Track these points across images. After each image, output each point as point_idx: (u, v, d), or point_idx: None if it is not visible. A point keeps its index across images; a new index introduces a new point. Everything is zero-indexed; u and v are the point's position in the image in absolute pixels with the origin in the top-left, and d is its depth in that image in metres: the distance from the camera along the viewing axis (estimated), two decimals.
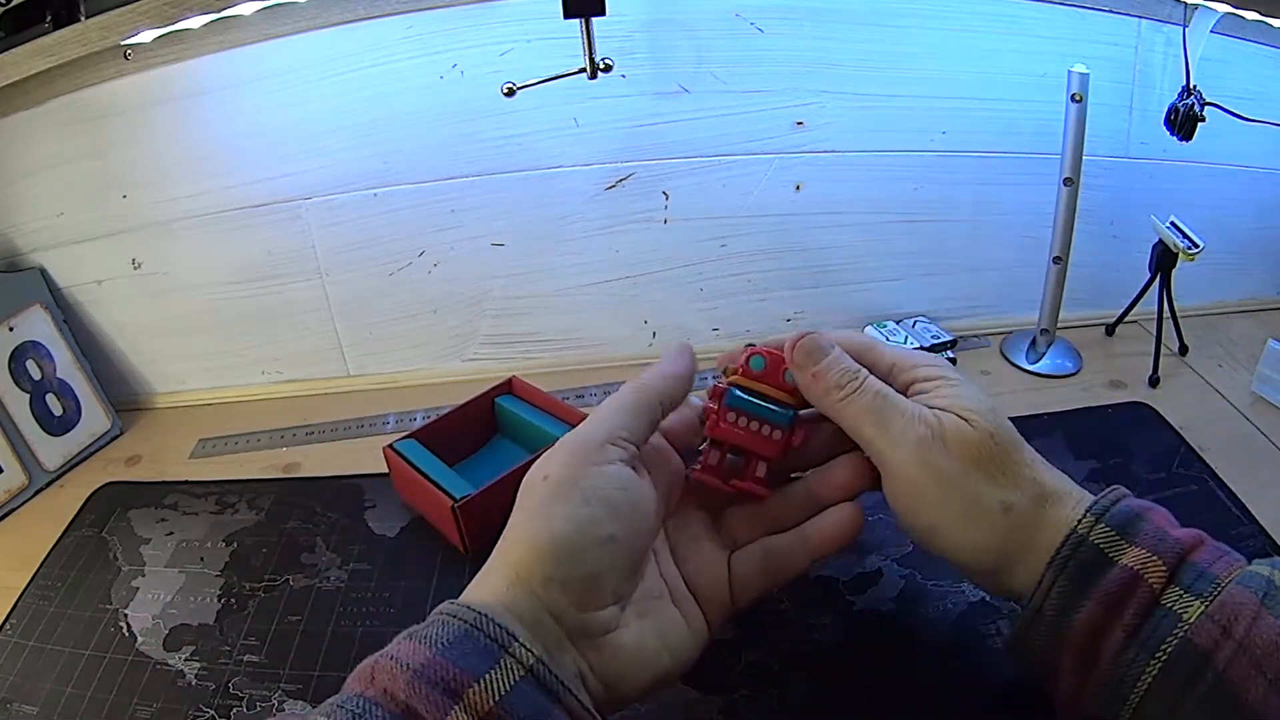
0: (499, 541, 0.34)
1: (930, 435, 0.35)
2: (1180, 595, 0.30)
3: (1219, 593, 0.30)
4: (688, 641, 0.36)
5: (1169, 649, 0.29)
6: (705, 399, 0.40)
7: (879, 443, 0.36)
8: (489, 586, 0.32)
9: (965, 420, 0.35)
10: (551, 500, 0.33)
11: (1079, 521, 0.33)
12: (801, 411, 0.39)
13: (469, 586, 0.33)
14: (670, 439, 0.40)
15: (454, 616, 0.30)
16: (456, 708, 0.27)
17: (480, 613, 0.30)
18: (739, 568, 0.39)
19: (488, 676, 0.28)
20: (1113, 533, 0.32)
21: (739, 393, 0.39)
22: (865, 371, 0.38)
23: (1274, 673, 0.28)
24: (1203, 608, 0.29)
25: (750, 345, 0.40)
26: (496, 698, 0.28)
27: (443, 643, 0.29)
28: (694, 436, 0.40)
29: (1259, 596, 0.29)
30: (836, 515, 0.39)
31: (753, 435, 0.38)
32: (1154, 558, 0.31)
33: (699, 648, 0.36)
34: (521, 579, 0.32)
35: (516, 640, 0.29)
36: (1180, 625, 0.29)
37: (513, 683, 0.28)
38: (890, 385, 0.38)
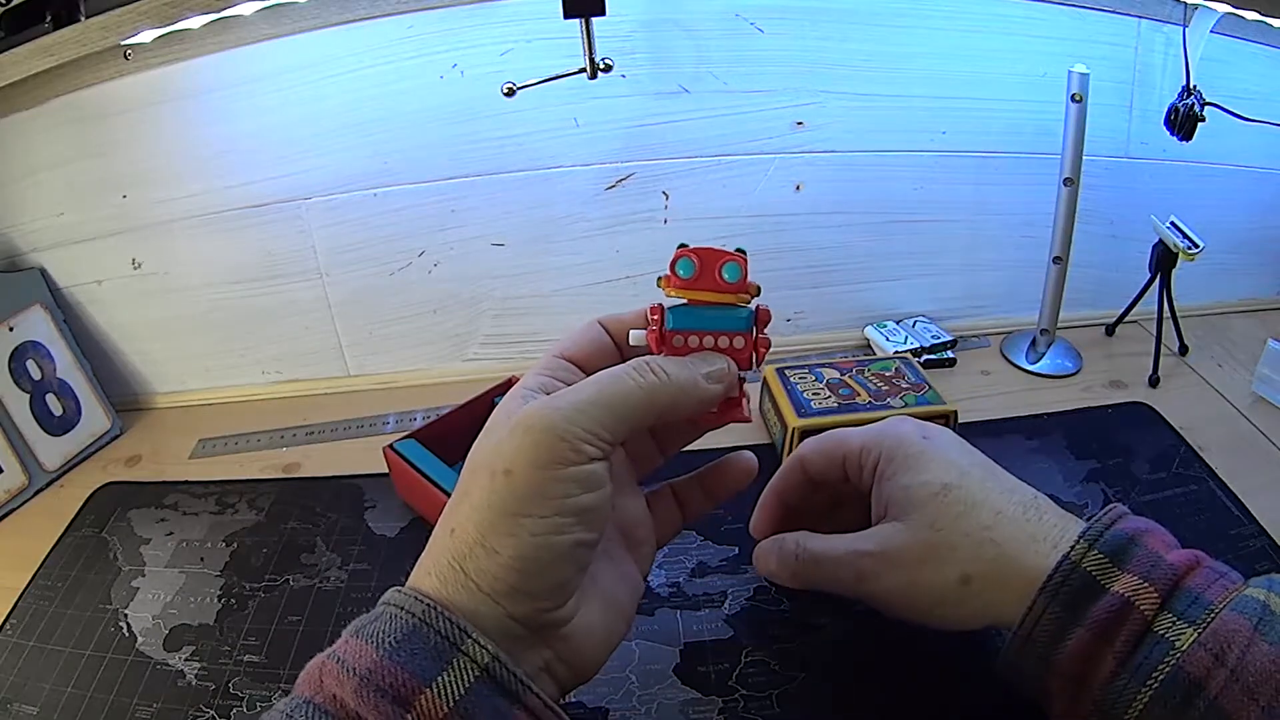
0: (444, 521, 0.31)
1: (868, 567, 0.37)
2: (1173, 622, 0.30)
3: (1212, 619, 0.30)
4: (633, 598, 0.35)
5: (1160, 677, 0.29)
6: (647, 324, 0.34)
7: (840, 587, 0.39)
8: (444, 583, 0.29)
9: (901, 524, 0.37)
10: (515, 509, 0.29)
11: (1072, 548, 0.32)
12: (756, 304, 0.34)
13: (419, 567, 0.31)
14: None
15: (402, 609, 0.28)
16: (408, 718, 0.26)
17: (430, 604, 0.28)
18: (659, 509, 0.39)
19: (440, 680, 0.26)
20: (1105, 559, 0.32)
21: (680, 311, 0.33)
22: (798, 539, 0.41)
23: (1267, 700, 0.27)
24: (1195, 635, 0.29)
25: (681, 246, 0.33)
26: (450, 704, 0.26)
27: (390, 642, 0.27)
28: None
29: (1253, 623, 0.29)
30: (736, 464, 0.40)
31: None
32: (1145, 584, 0.31)
33: (639, 599, 0.36)
34: (484, 591, 0.29)
35: (469, 636, 0.27)
36: (1172, 653, 0.29)
37: (468, 685, 0.27)
38: (862, 466, 0.40)
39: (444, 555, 0.30)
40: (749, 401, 0.36)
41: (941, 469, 0.37)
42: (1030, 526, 0.35)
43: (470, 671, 0.27)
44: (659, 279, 0.34)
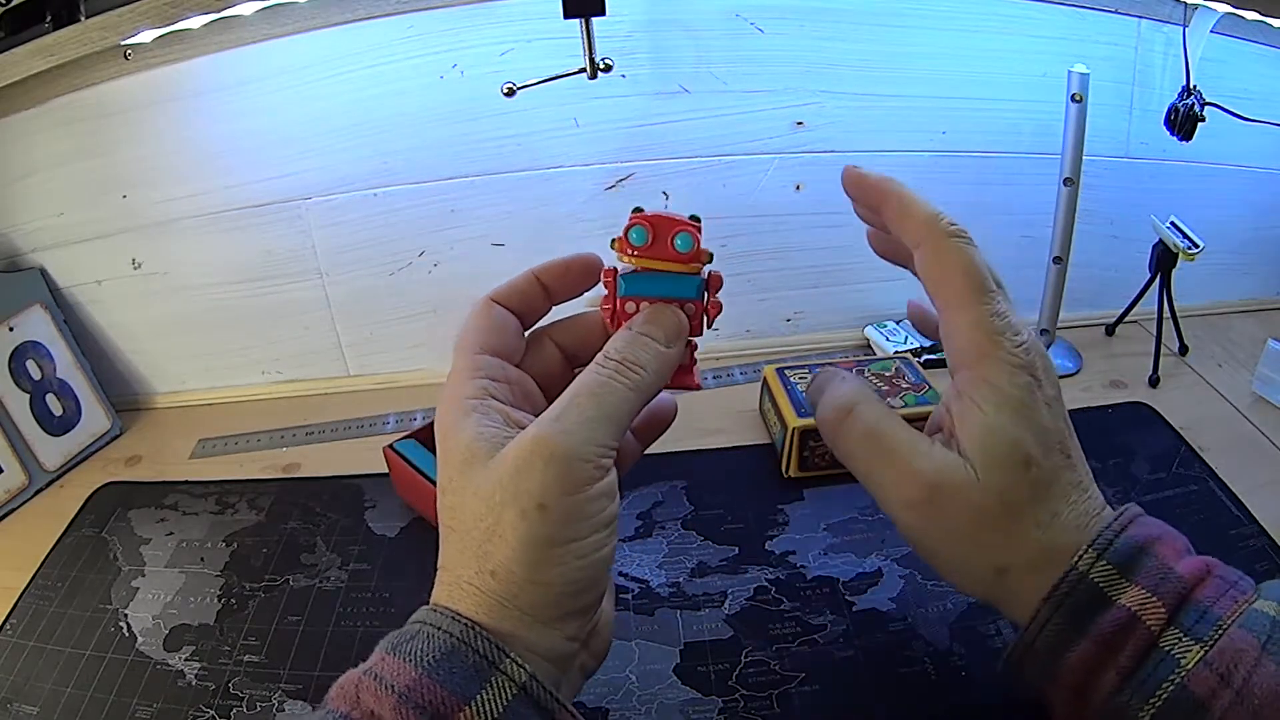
0: (475, 561, 0.29)
1: (921, 498, 0.32)
2: (1180, 639, 0.29)
3: (1220, 636, 0.29)
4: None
5: (1165, 695, 0.28)
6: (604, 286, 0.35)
7: (868, 486, 0.35)
8: (498, 620, 0.29)
9: (974, 475, 0.32)
10: (558, 538, 0.29)
11: (1080, 557, 0.31)
12: (708, 270, 0.34)
13: (443, 584, 0.31)
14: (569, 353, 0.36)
15: (439, 629, 0.28)
16: None
17: (467, 624, 0.28)
18: None
19: (479, 698, 0.26)
20: (1113, 570, 0.31)
21: (632, 278, 0.34)
22: (859, 399, 0.35)
23: None
24: (1202, 653, 0.28)
25: (637, 209, 0.34)
26: None
27: (429, 660, 0.27)
28: (598, 340, 0.34)
29: (1261, 641, 0.28)
30: (660, 408, 0.38)
31: None
32: (1153, 598, 0.30)
33: None
34: (541, 622, 0.29)
35: (508, 655, 0.28)
36: (1178, 671, 0.28)
37: (505, 703, 0.27)
38: (963, 346, 0.33)
39: (489, 597, 0.29)
40: (698, 368, 0.36)
41: (1033, 435, 0.32)
42: (1074, 535, 0.32)
43: (508, 690, 0.27)
44: (613, 241, 0.34)
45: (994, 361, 0.32)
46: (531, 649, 0.29)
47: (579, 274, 0.36)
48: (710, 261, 0.34)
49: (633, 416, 0.31)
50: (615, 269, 0.34)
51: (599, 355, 0.32)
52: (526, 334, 0.36)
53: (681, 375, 0.35)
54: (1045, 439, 0.32)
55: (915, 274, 0.35)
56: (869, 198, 0.37)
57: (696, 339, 0.35)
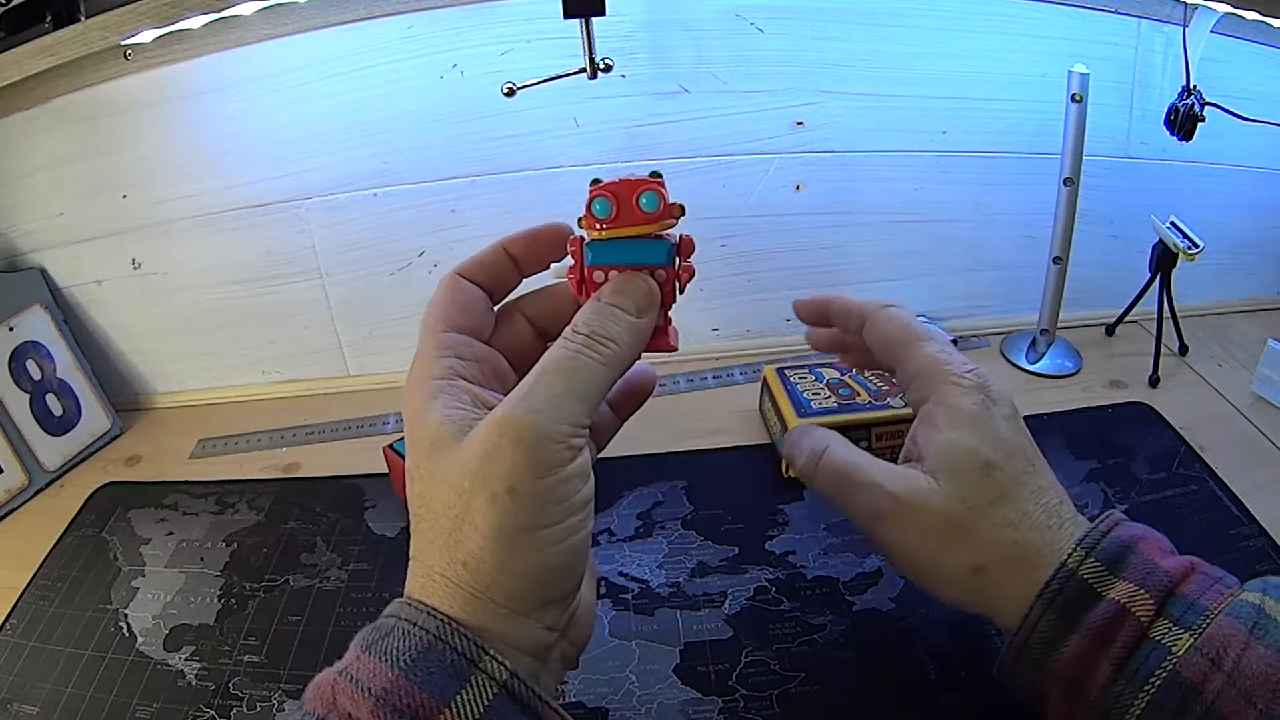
0: (446, 551, 0.28)
1: (887, 510, 0.35)
2: (1169, 628, 0.30)
3: (1208, 625, 0.29)
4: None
5: (1157, 681, 0.29)
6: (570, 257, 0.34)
7: (844, 511, 0.38)
8: (471, 613, 0.28)
9: (936, 484, 0.34)
10: (530, 523, 0.27)
11: (1069, 556, 0.32)
12: (679, 235, 0.33)
13: (422, 590, 0.29)
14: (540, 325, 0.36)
15: (414, 624, 0.27)
16: None
17: (443, 620, 0.27)
18: None
19: (458, 699, 0.26)
20: (1101, 567, 0.32)
21: (599, 246, 0.33)
22: (829, 442, 0.39)
23: (1264, 703, 0.27)
24: (1191, 640, 0.29)
25: (595, 181, 0.32)
26: None
27: (405, 660, 0.26)
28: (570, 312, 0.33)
29: (1248, 627, 0.29)
30: (637, 379, 0.37)
31: None
32: (1141, 591, 0.31)
33: None
34: (518, 613, 0.28)
35: (487, 653, 0.27)
36: (1169, 658, 0.29)
37: (487, 703, 0.26)
38: (919, 384, 0.37)
39: (462, 589, 0.28)
40: (677, 331, 0.34)
41: (990, 444, 0.35)
42: (1049, 534, 0.34)
43: (489, 689, 0.26)
44: (579, 219, 0.33)
45: (947, 386, 0.36)
46: (509, 642, 0.28)
47: (548, 244, 0.35)
48: (682, 215, 0.32)
49: (605, 392, 0.30)
50: (581, 237, 0.33)
51: (566, 329, 0.31)
52: (496, 309, 0.35)
53: (657, 338, 0.33)
54: (1005, 447, 0.35)
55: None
56: (816, 313, 0.43)
57: (666, 307, 0.34)
